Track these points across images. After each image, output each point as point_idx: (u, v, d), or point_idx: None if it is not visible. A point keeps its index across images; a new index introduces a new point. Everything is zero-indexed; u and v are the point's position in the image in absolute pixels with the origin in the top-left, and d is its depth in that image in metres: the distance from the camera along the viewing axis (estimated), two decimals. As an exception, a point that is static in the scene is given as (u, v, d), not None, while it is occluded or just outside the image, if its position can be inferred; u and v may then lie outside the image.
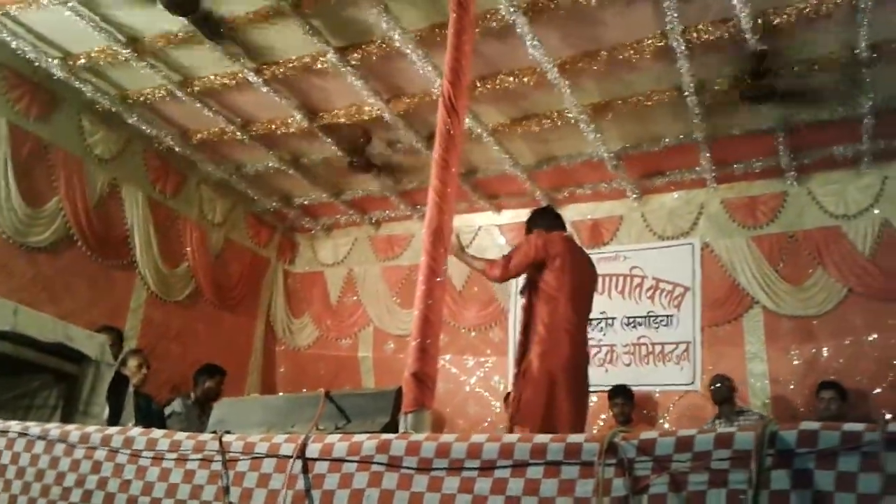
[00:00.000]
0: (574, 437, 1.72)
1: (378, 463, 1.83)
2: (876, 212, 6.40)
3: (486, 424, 7.18)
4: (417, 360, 2.13)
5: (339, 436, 1.95)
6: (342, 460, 1.88)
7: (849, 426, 1.53)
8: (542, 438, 1.74)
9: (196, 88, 6.05)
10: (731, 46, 5.11)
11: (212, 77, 5.94)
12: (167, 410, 6.14)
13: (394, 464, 1.82)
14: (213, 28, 5.22)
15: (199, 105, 6.23)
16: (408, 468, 1.81)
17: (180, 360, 7.05)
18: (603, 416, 6.74)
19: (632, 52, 5.23)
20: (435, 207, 2.39)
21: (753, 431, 1.57)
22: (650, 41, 5.15)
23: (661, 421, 6.63)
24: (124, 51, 5.58)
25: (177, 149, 6.87)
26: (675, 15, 4.80)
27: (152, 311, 6.90)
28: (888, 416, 5.80)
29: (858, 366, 6.13)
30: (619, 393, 6.36)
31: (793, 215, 6.70)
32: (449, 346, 7.42)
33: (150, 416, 5.69)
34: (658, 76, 5.55)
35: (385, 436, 1.90)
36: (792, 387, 6.30)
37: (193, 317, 7.31)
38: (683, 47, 5.07)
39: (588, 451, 1.68)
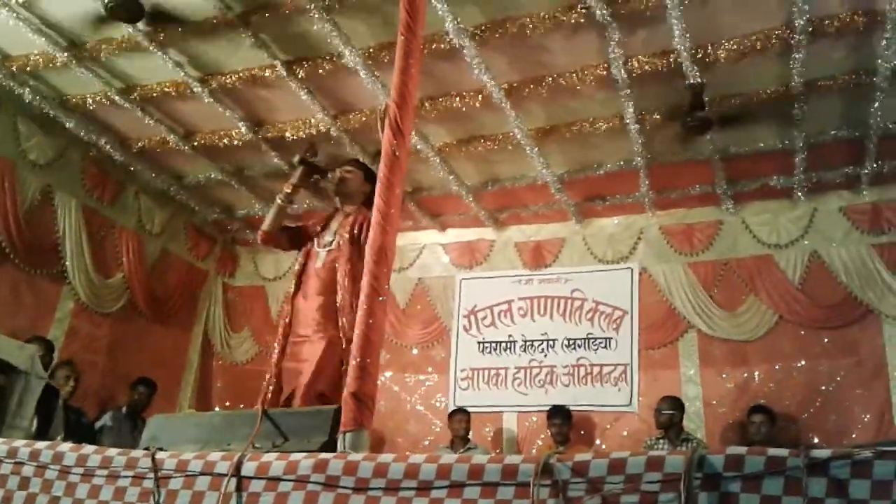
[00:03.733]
0: (511, 459, 1.74)
1: (314, 482, 1.82)
2: (806, 242, 6.65)
3: (427, 443, 7.16)
4: (357, 379, 2.12)
5: (275, 454, 1.93)
6: (278, 479, 1.87)
7: (773, 451, 1.59)
8: (479, 459, 1.76)
9: (138, 96, 5.93)
10: (671, 78, 5.24)
11: (154, 85, 5.83)
12: (98, 424, 6.00)
13: (330, 483, 1.82)
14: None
15: (140, 113, 6.11)
16: (345, 487, 1.80)
17: (108, 373, 6.87)
18: (542, 436, 6.80)
19: (576, 79, 5.33)
20: (378, 228, 2.40)
21: (683, 455, 1.61)
22: (594, 69, 5.26)
23: (599, 441, 6.72)
24: (64, 55, 5.44)
25: (116, 156, 6.70)
26: (618, 45, 4.92)
27: (79, 322, 6.67)
28: (815, 440, 6.01)
29: (787, 391, 6.33)
30: (558, 413, 6.42)
31: (728, 243, 6.90)
32: (391, 364, 7.40)
33: (80, 430, 5.55)
34: (601, 103, 5.67)
35: (322, 455, 1.89)
36: (724, 410, 6.46)
37: (124, 329, 7.11)
38: (626, 77, 5.20)
39: (524, 471, 1.71)
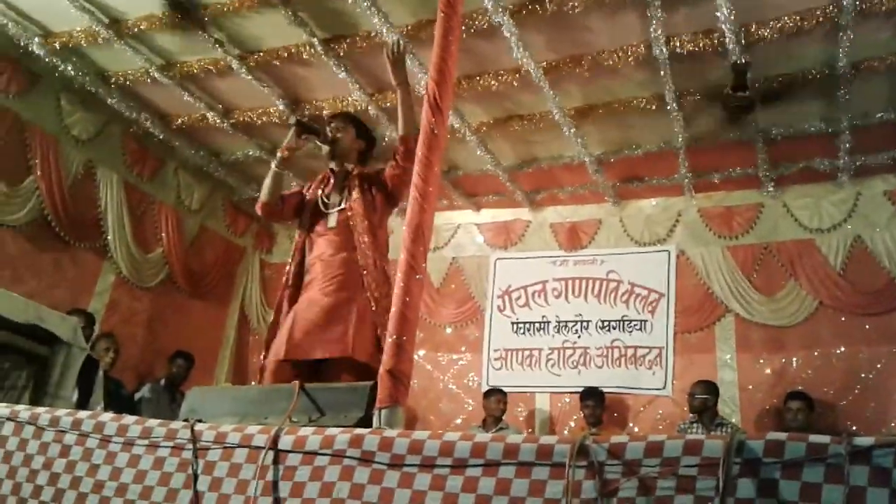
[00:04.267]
0: (546, 439, 1.74)
1: (350, 457, 1.84)
2: (849, 227, 6.50)
3: (459, 422, 7.19)
4: (393, 356, 2.13)
5: (312, 429, 1.95)
6: (314, 453, 1.88)
7: (814, 438, 1.56)
8: (514, 439, 1.76)
9: (178, 73, 5.99)
10: (713, 57, 5.15)
11: (194, 62, 5.88)
12: (137, 396, 6.12)
13: (366, 458, 1.83)
14: (190, 13, 5.19)
15: (180, 90, 6.17)
16: (380, 463, 1.81)
17: (146, 346, 7.01)
18: (575, 417, 6.79)
19: (616, 58, 5.26)
20: (416, 205, 2.40)
21: (722, 440, 1.59)
22: (634, 48, 5.18)
23: (631, 424, 6.69)
24: (106, 31, 5.51)
25: (156, 133, 6.78)
26: (660, 24, 4.84)
27: (119, 296, 6.81)
28: (854, 429, 5.91)
29: (826, 377, 6.22)
30: (591, 395, 6.41)
31: (768, 227, 6.79)
32: (424, 343, 7.43)
33: (120, 401, 5.67)
34: (641, 83, 5.59)
35: (358, 430, 1.91)
36: (760, 395, 6.38)
37: (163, 303, 7.24)
38: (667, 56, 5.11)
39: (559, 452, 1.70)
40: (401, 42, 3.65)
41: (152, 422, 2.11)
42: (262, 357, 3.40)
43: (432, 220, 2.44)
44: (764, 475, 1.55)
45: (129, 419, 2.14)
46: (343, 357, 3.27)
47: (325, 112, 6.16)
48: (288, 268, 3.64)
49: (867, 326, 6.24)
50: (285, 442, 1.92)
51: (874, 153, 6.20)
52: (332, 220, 3.57)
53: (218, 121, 6.54)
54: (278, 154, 3.69)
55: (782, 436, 1.59)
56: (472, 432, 6.16)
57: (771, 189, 6.73)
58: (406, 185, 3.41)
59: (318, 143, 3.73)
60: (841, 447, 1.52)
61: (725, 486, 1.53)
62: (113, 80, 6.18)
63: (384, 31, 5.10)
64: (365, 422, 2.08)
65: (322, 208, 3.65)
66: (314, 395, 2.12)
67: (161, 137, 6.86)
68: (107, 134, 6.70)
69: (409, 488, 1.77)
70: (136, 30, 5.51)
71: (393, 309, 2.22)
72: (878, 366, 6.10)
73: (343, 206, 3.58)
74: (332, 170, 3.80)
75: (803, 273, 6.53)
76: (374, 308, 3.36)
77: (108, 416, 2.16)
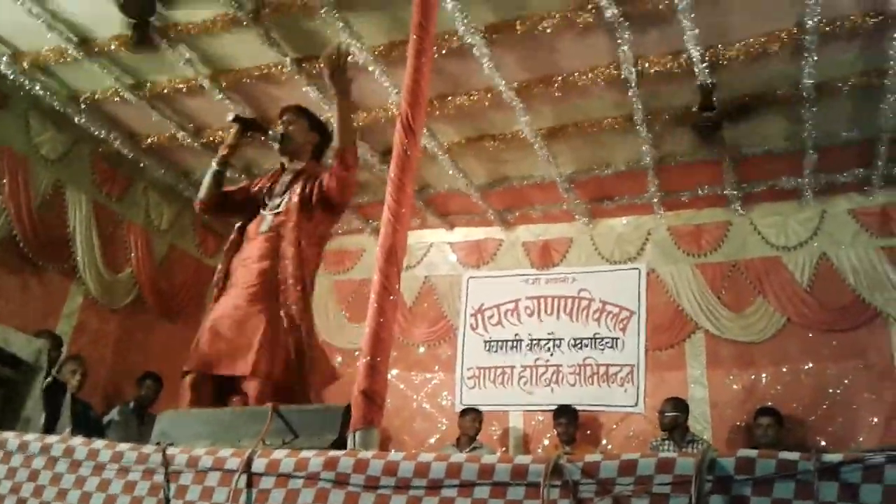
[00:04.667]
0: (521, 459, 1.75)
1: (325, 479, 1.83)
2: (815, 244, 6.63)
3: (433, 441, 7.16)
4: (367, 377, 2.13)
5: (286, 451, 1.94)
6: (289, 476, 1.87)
7: (784, 455, 1.58)
8: (489, 459, 1.76)
9: (148, 92, 5.95)
10: (681, 78, 5.24)
11: (165, 81, 5.86)
12: (105, 419, 6.02)
13: (341, 480, 1.82)
14: (145, 36, 5.16)
15: (150, 109, 6.13)
16: (355, 485, 1.81)
17: (115, 368, 6.89)
18: (549, 435, 6.80)
19: (586, 79, 5.34)
20: (389, 226, 2.40)
21: (693, 458, 1.61)
22: (604, 69, 5.27)
23: (605, 442, 6.71)
24: (75, 50, 5.47)
25: (125, 152, 6.71)
26: (629, 46, 4.92)
27: (87, 317, 6.70)
28: (823, 444, 5.99)
29: (795, 393, 6.30)
30: (564, 413, 6.43)
31: (736, 244, 6.89)
32: (397, 362, 7.40)
33: (88, 424, 5.57)
34: (611, 103, 5.67)
35: (332, 452, 1.90)
36: (730, 411, 6.44)
37: (132, 324, 7.13)
38: (636, 77, 5.20)
39: (534, 472, 1.71)
40: (345, 47, 3.45)
41: (123, 446, 2.09)
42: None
43: (405, 241, 2.44)
44: (735, 492, 1.57)
45: (98, 443, 2.12)
46: (256, 374, 3.02)
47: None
48: (219, 267, 3.42)
49: (834, 343, 6.35)
50: (259, 465, 1.91)
51: (838, 172, 6.34)
52: (265, 224, 3.36)
53: (189, 140, 6.50)
54: (220, 152, 3.49)
55: (753, 453, 1.61)
56: (446, 452, 6.14)
57: (738, 207, 6.84)
58: (342, 196, 3.34)
59: (266, 138, 3.53)
60: (810, 464, 1.54)
61: (698, 503, 1.55)
62: (82, 99, 6.12)
63: (356, 50, 5.12)
64: (339, 444, 2.07)
65: (261, 209, 3.44)
66: (287, 417, 2.10)
67: (130, 157, 6.78)
68: (76, 153, 6.62)
69: (383, 510, 1.77)
70: (105, 49, 5.47)
71: (367, 329, 2.22)
72: (846, 381, 6.20)
73: (280, 209, 3.36)
74: (282, 165, 3.59)
75: (771, 290, 6.63)
76: (285, 325, 3.11)
77: (78, 441, 2.13)
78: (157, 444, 2.05)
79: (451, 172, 6.65)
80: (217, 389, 3.10)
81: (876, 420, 6.01)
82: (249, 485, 1.89)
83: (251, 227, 3.41)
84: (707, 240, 6.97)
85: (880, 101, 5.30)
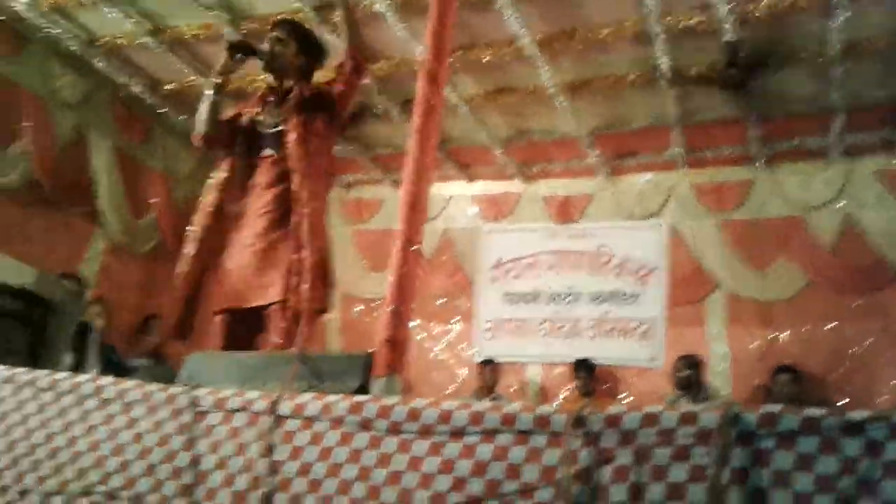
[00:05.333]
0: (544, 409, 1.76)
1: (350, 423, 1.86)
2: (839, 205, 6.54)
3: (450, 392, 7.24)
4: (391, 325, 2.15)
5: (311, 395, 1.96)
6: (314, 419, 1.90)
7: (809, 411, 1.58)
8: (512, 408, 1.78)
9: (167, 38, 5.91)
10: (708, 34, 5.14)
11: (184, 27, 5.81)
12: (135, 363, 6.12)
13: (365, 425, 1.85)
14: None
15: (169, 55, 6.10)
16: (379, 430, 1.83)
17: (137, 312, 6.96)
18: (566, 388, 6.85)
19: (610, 33, 5.25)
20: (413, 176, 2.39)
21: (717, 411, 1.62)
22: (629, 24, 5.18)
23: (622, 396, 6.76)
24: (92, -8, 5.45)
25: (145, 98, 6.71)
26: (655, 0, 4.82)
27: (110, 262, 6.77)
28: (840, 403, 6.00)
29: (814, 353, 6.29)
30: (582, 366, 6.48)
31: (759, 203, 6.82)
32: (415, 313, 7.41)
33: (114, 366, 5.67)
34: (635, 59, 5.59)
35: (358, 397, 1.92)
36: (749, 369, 6.43)
37: (154, 269, 7.16)
38: (661, 32, 5.10)
39: (557, 422, 1.72)
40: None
41: (152, 386, 2.12)
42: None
43: (428, 191, 2.44)
44: (758, 445, 1.57)
45: (129, 384, 2.15)
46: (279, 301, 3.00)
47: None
48: (211, 199, 3.30)
49: (855, 303, 6.30)
50: (285, 408, 1.93)
51: (865, 133, 6.23)
52: (267, 147, 3.26)
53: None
54: (212, 79, 3.32)
55: (776, 408, 1.61)
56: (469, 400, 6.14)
57: (762, 166, 6.75)
58: (348, 103, 3.30)
59: (258, 58, 3.36)
60: (834, 420, 1.54)
61: (722, 455, 1.56)
62: (101, 43, 6.10)
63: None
64: (363, 390, 2.09)
65: (259, 131, 3.32)
66: (313, 362, 2.13)
67: (150, 103, 6.79)
68: (97, 98, 6.61)
69: (407, 453, 1.79)
70: (125, -9, 5.44)
71: (390, 278, 2.23)
72: (866, 343, 6.17)
73: (279, 129, 3.24)
74: (270, 87, 3.45)
75: (793, 249, 6.58)
76: (297, 247, 3.04)
77: (107, 380, 2.17)
78: (185, 385, 2.08)
79: (471, 125, 6.60)
80: (247, 328, 3.07)
81: (896, 381, 6.02)
82: (275, 426, 1.91)
83: (252, 154, 3.32)
84: (730, 198, 6.90)
85: (912, 60, 5.19)
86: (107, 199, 6.59)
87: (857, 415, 1.55)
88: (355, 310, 7.65)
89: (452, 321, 7.56)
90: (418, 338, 7.47)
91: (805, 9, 4.80)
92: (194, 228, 3.29)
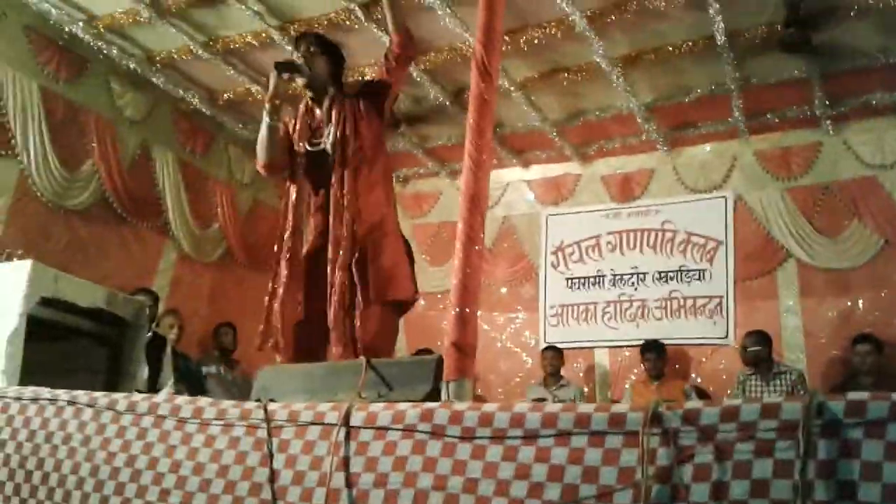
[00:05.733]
0: (618, 408, 1.73)
1: (422, 431, 1.85)
2: (915, 161, 6.27)
3: (518, 380, 7.23)
4: (457, 329, 2.14)
5: (382, 404, 1.97)
6: (386, 428, 1.90)
7: (898, 396, 1.51)
8: (585, 408, 1.75)
9: (220, 48, 6.02)
10: (765, -8, 4.98)
11: (236, 36, 5.90)
12: (203, 371, 6.28)
13: (437, 432, 1.84)
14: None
15: (224, 65, 6.21)
16: (451, 436, 1.82)
17: (209, 320, 7.12)
18: (635, 371, 6.77)
19: (662, 1, 5.11)
20: (470, 174, 2.37)
21: (800, 402, 1.56)
22: (682, -12, 5.04)
23: (694, 375, 6.64)
24: (147, 11, 5.55)
25: (204, 109, 6.86)
26: (709, -39, 4.68)
27: (182, 272, 6.94)
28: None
29: (895, 318, 6.06)
30: (651, 348, 6.38)
31: (828, 166, 6.58)
32: (479, 303, 7.43)
33: (189, 375, 5.83)
34: (689, 25, 5.43)
35: (428, 405, 1.92)
36: (826, 340, 6.26)
37: (223, 277, 7.36)
38: (716, -7, 4.95)
39: (632, 420, 1.68)
40: None
41: (226, 403, 2.16)
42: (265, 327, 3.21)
43: (487, 189, 2.42)
44: (845, 436, 1.51)
45: (203, 401, 2.19)
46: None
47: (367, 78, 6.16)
48: (286, 224, 3.37)
49: (939, 263, 6.05)
50: (357, 418, 1.95)
51: (940, 83, 5.94)
52: (323, 160, 3.29)
53: (263, 94, 6.54)
54: (266, 105, 3.33)
55: (864, 395, 1.54)
56: (532, 390, 6.16)
57: (830, 127, 6.50)
58: (396, 91, 3.37)
59: (303, 77, 3.38)
60: (927, 405, 1.47)
61: (807, 448, 1.50)
62: (158, 59, 6.25)
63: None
64: (433, 395, 2.09)
65: (309, 147, 3.36)
66: (381, 370, 2.14)
67: (209, 113, 6.94)
68: (158, 113, 6.78)
69: (481, 460, 1.78)
70: (175, 7, 5.54)
71: (454, 280, 2.22)
72: (952, 304, 5.93)
73: (333, 139, 3.26)
74: (312, 99, 3.46)
75: (867, 211, 6.34)
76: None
77: (183, 400, 2.22)
78: (258, 399, 2.11)
79: (525, 109, 6.54)
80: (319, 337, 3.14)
81: None
82: (348, 438, 1.93)
83: (310, 169, 3.37)
84: (797, 163, 6.67)
85: None
86: (174, 211, 6.76)
87: (951, 398, 1.48)
88: (418, 305, 7.64)
89: (517, 309, 7.53)
90: (484, 328, 7.47)
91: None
92: (284, 250, 3.36)
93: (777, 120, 6.57)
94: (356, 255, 3.08)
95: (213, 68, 6.29)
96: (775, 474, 1.53)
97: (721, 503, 1.56)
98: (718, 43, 5.44)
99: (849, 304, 6.28)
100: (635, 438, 1.65)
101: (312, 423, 1.99)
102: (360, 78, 6.18)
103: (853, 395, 1.55)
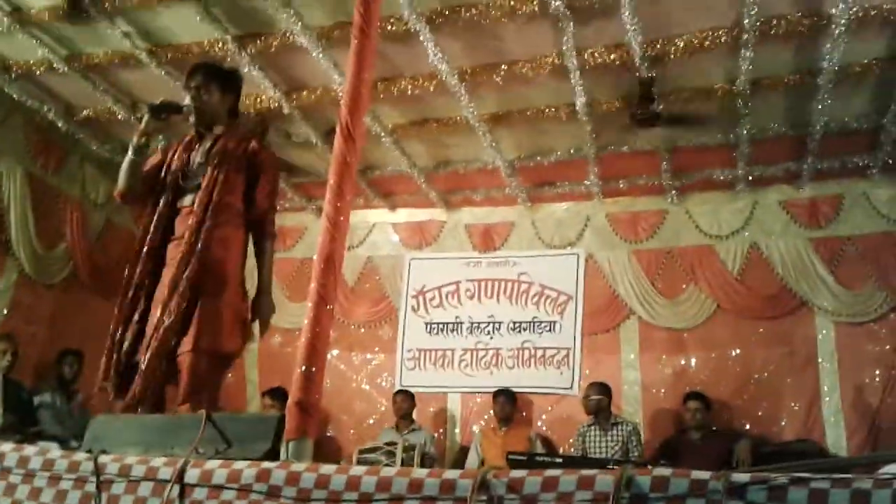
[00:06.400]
0: (450, 474, 1.80)
1: (257, 492, 1.86)
2: (746, 234, 6.84)
3: (371, 422, 7.23)
4: (302, 388, 2.15)
5: (218, 461, 1.96)
6: (221, 487, 1.89)
7: (696, 474, 1.67)
8: (419, 473, 1.82)
9: (83, 64, 5.78)
10: (622, 70, 5.32)
11: (101, 54, 5.70)
12: (36, 400, 5.91)
13: (273, 493, 1.85)
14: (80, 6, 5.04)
15: (85, 82, 5.97)
16: (287, 498, 1.84)
17: (48, 346, 6.73)
18: (485, 416, 6.94)
19: (529, 67, 5.38)
20: (327, 234, 2.41)
21: (612, 475, 1.69)
22: (547, 59, 5.32)
23: (539, 423, 6.87)
24: (8, 20, 5.29)
25: (59, 124, 6.54)
26: (571, 37, 4.97)
27: (21, 294, 6.52)
28: (747, 427, 6.25)
29: (722, 378, 6.55)
30: (503, 392, 6.58)
31: (671, 232, 7.05)
32: (338, 342, 7.44)
33: (20, 404, 5.48)
34: (553, 92, 5.72)
35: (265, 464, 1.92)
36: (661, 395, 6.66)
37: (66, 301, 6.94)
38: (578, 67, 5.26)
39: (462, 486, 1.77)
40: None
41: (54, 453, 2.08)
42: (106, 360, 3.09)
43: (343, 249, 2.45)
44: (650, 508, 1.65)
45: (29, 450, 2.10)
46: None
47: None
48: (139, 250, 3.27)
49: (761, 329, 6.60)
50: (191, 475, 1.92)
51: (771, 165, 6.55)
52: (188, 198, 3.26)
53: (124, 114, 6.35)
54: (133, 140, 3.27)
55: (668, 471, 1.69)
56: (386, 436, 6.14)
57: (674, 196, 7.00)
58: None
59: (182, 116, 3.37)
60: (720, 483, 1.63)
61: (615, 520, 1.63)
62: (15, 68, 5.92)
63: (297, 29, 5.07)
64: (272, 454, 2.09)
65: (180, 180, 3.30)
66: (220, 424, 2.12)
67: (65, 129, 6.61)
68: (10, 124, 6.39)
69: (315, 522, 1.81)
70: (39, 19, 5.30)
71: (303, 339, 2.24)
72: (771, 367, 6.47)
73: (199, 179, 3.24)
74: (199, 132, 3.43)
75: (703, 277, 6.83)
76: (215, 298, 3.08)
77: (7, 447, 2.11)
78: (89, 451, 2.04)
79: (395, 154, 6.65)
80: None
81: (798, 405, 6.30)
82: (182, 495, 1.90)
83: (176, 203, 3.31)
84: (644, 227, 7.11)
85: (812, 98, 5.48)
86: (18, 229, 6.36)
87: (740, 478, 1.65)
88: (273, 340, 7.55)
89: (375, 350, 7.55)
90: (341, 367, 7.45)
91: (714, 47, 5.01)
92: (130, 277, 3.25)
93: (628, 186, 7.00)
94: (186, 302, 3.02)
95: (73, 83, 6.03)
96: (587, 543, 1.65)
97: (537, 570, 1.67)
98: (578, 111, 5.77)
99: (683, 362, 6.72)
100: (464, 504, 1.74)
101: (145, 479, 1.95)
102: (260, 124, 6.14)
103: (658, 471, 1.70)
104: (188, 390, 2.86)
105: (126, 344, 3.11)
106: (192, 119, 3.39)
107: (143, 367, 2.93)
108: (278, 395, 6.37)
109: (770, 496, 1.61)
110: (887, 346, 6.24)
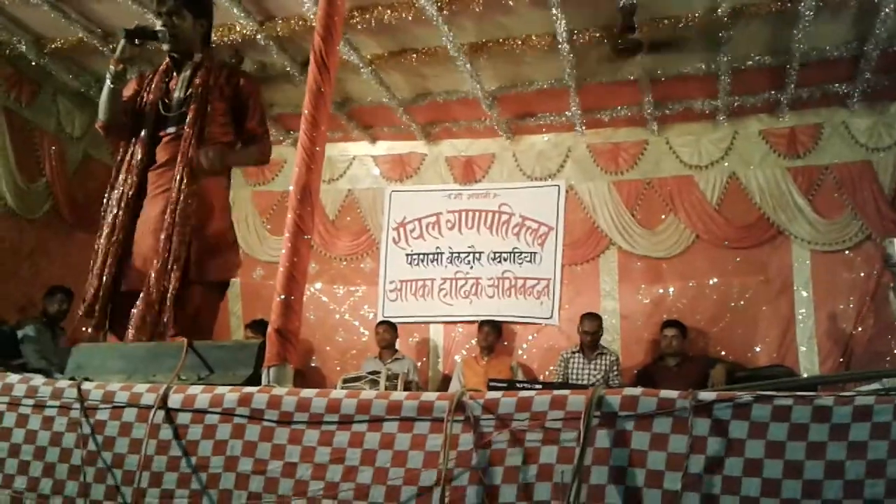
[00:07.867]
0: (427, 396, 1.86)
1: (240, 416, 1.91)
2: (725, 164, 6.87)
3: (354, 352, 7.32)
4: (281, 315, 2.18)
5: (200, 387, 2.00)
6: (204, 411, 1.94)
7: (664, 393, 1.73)
8: (397, 396, 1.87)
9: (52, -7, 5.64)
10: (603, -1, 5.26)
11: (71, -18, 5.55)
12: (19, 334, 5.92)
13: (255, 416, 1.90)
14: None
15: (54, 12, 5.80)
16: (269, 421, 1.89)
17: (30, 280, 6.72)
18: (467, 346, 7.05)
19: (509, -5, 5.30)
20: (303, 165, 2.40)
21: (584, 395, 1.75)
22: (528, -14, 5.24)
23: (521, 352, 6.99)
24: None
25: (30, 57, 6.38)
26: (553, -37, 4.89)
27: (4, 229, 6.50)
28: (723, 353, 6.40)
29: (700, 307, 6.67)
30: (489, 322, 6.69)
31: (651, 163, 7.07)
32: (320, 275, 7.48)
33: (2, 338, 5.50)
34: (534, 21, 5.64)
35: (247, 389, 1.97)
36: (639, 324, 6.78)
37: (47, 235, 6.91)
38: (558, -6, 5.18)
39: (439, 408, 1.82)
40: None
41: (37, 380, 2.11)
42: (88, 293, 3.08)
43: (319, 179, 2.46)
44: (619, 427, 1.72)
45: (13, 378, 2.13)
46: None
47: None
48: (114, 183, 3.26)
49: (738, 259, 6.70)
50: (174, 401, 1.97)
51: (751, 94, 6.53)
52: (171, 126, 3.22)
53: (97, 44, 6.20)
54: (111, 68, 3.19)
55: (637, 391, 1.76)
56: (370, 365, 6.22)
57: (655, 127, 6.99)
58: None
59: (158, 42, 3.26)
60: (687, 401, 1.70)
61: (586, 437, 1.69)
62: (-21, -2, 5.75)
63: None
64: (254, 380, 2.13)
65: (161, 110, 3.25)
66: (203, 352, 2.15)
67: (36, 62, 6.45)
68: (-22, 56, 6.25)
69: (298, 444, 1.87)
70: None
71: (280, 268, 2.26)
72: (747, 295, 6.60)
73: (183, 109, 3.21)
74: (173, 58, 3.35)
75: (682, 207, 6.88)
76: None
77: (-10, 377, 2.14)
78: (72, 378, 2.08)
79: (374, 85, 6.56)
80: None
81: (773, 332, 6.44)
82: (168, 420, 1.95)
83: (154, 132, 3.27)
84: (624, 158, 7.12)
85: (793, 26, 5.44)
86: (-1, 163, 6.27)
87: (706, 395, 1.71)
88: (256, 273, 7.58)
89: (357, 282, 7.60)
90: (323, 300, 7.51)
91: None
92: (109, 211, 3.23)
93: (609, 117, 6.98)
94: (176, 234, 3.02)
95: (43, 14, 5.85)
96: (559, 460, 1.72)
97: (512, 485, 1.74)
98: (559, 40, 5.70)
99: (661, 291, 6.83)
100: (440, 425, 1.79)
101: (128, 405, 1.99)
102: (234, 56, 6.00)
103: (628, 391, 1.76)
104: (184, 321, 2.88)
105: (106, 277, 3.09)
106: (166, 46, 3.30)
107: (139, 303, 2.92)
108: (260, 326, 6.44)
109: (735, 413, 1.68)
110: (862, 274, 6.37)
